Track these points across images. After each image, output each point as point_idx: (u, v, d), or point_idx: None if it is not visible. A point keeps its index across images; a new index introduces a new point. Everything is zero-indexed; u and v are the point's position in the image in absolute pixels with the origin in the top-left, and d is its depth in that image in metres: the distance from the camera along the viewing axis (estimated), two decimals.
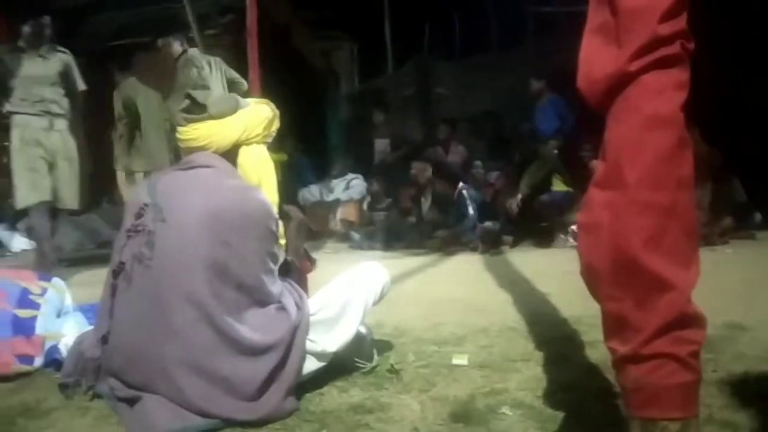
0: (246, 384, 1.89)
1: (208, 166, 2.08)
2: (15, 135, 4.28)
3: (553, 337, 2.52)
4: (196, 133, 2.11)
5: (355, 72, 7.44)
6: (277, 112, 2.30)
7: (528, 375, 2.14)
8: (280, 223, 2.17)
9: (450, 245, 5.15)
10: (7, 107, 4.35)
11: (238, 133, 2.15)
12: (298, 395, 2.02)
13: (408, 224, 5.66)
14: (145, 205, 2.00)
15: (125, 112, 5.13)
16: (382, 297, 2.30)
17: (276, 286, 2.08)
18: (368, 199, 6.07)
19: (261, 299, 2.01)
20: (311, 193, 6.16)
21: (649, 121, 1.17)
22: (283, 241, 2.22)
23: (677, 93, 1.18)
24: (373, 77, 7.20)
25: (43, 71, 4.41)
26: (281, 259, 2.21)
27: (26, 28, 4.57)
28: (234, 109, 2.15)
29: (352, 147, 6.85)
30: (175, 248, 1.92)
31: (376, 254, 5.31)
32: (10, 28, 5.80)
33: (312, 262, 2.49)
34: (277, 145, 6.80)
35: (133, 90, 5.15)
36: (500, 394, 1.98)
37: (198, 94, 2.13)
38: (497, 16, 7.09)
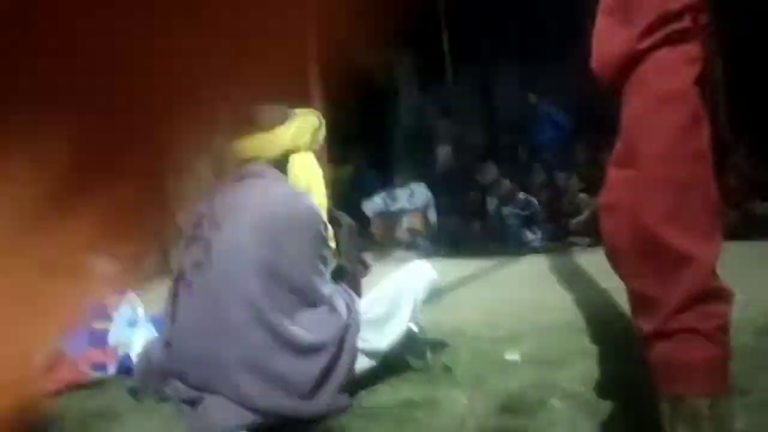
0: (300, 382, 1.96)
1: (259, 176, 2.18)
2: None
3: (610, 331, 2.49)
4: (247, 145, 2.21)
5: (415, 81, 7.50)
6: (323, 120, 2.37)
7: (581, 368, 2.12)
8: (330, 227, 2.24)
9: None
10: None
11: (286, 142, 2.24)
12: (352, 393, 2.07)
13: (474, 228, 5.66)
14: (202, 215, 2.11)
15: None
16: (430, 295, 2.33)
17: (327, 287, 2.14)
18: (433, 205, 6.10)
19: (312, 300, 2.08)
20: (376, 203, 6.23)
21: (662, 97, 1.17)
22: (333, 244, 2.28)
23: (690, 67, 1.18)
24: (433, 85, 7.24)
25: None
26: (333, 264, 2.28)
27: None
28: (282, 119, 2.23)
29: (414, 156, 6.90)
30: (230, 253, 2.02)
31: (443, 260, 5.34)
32: None
33: (366, 267, 2.55)
34: (342, 157, 6.96)
35: None
36: (551, 387, 1.98)
37: (246, 107, 2.22)
38: (557, 20, 7.02)
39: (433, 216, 6.06)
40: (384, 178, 6.73)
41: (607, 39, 1.25)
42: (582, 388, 1.92)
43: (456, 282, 3.93)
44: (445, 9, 7.03)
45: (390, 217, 6.20)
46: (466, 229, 5.77)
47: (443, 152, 6.49)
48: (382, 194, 6.44)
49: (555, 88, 6.42)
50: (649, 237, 1.18)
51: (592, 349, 2.30)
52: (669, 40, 1.17)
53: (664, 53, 1.17)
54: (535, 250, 5.07)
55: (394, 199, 6.30)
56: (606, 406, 1.76)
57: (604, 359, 2.18)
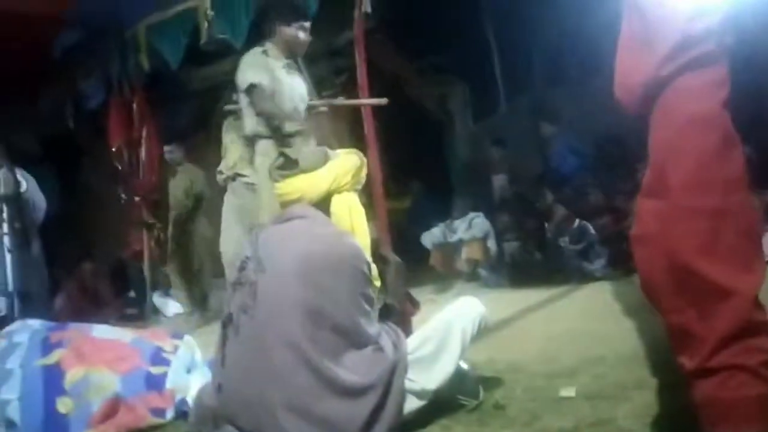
0: (347, 425, 1.94)
1: (302, 217, 2.21)
2: None
3: (671, 362, 2.37)
4: (290, 187, 2.25)
5: (469, 111, 7.49)
6: (365, 160, 2.40)
7: (639, 403, 2.03)
8: (374, 266, 2.24)
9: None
10: None
11: (328, 183, 2.27)
12: None
13: (534, 257, 5.56)
14: (247, 258, 2.15)
15: None
16: (480, 330, 2.28)
17: (373, 327, 2.13)
18: (492, 235, 6.03)
19: (358, 341, 2.07)
20: (434, 235, 6.20)
21: (688, 124, 1.14)
22: (378, 283, 2.28)
23: (716, 91, 1.14)
24: (486, 115, 7.21)
25: None
26: (380, 303, 2.27)
27: None
28: (323, 161, 2.27)
29: (471, 186, 6.86)
30: (274, 296, 2.04)
31: (504, 291, 5.26)
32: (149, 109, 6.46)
33: (415, 304, 2.53)
34: (400, 191, 6.97)
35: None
36: (606, 424, 1.90)
37: (289, 151, 2.27)
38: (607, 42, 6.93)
39: (492, 245, 5.98)
40: (442, 210, 6.69)
41: (630, 67, 1.22)
42: (638, 425, 1.84)
43: (515, 314, 3.85)
44: (496, 38, 7.03)
45: (449, 249, 6.15)
46: (526, 258, 5.67)
47: (499, 181, 6.43)
48: (441, 226, 6.40)
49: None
50: (684, 270, 1.13)
51: (652, 382, 2.20)
52: (692, 65, 1.13)
53: (688, 78, 1.14)
54: (597, 278, 4.92)
55: (452, 230, 6.26)
56: None
57: (663, 393, 2.07)
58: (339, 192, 2.32)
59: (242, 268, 2.15)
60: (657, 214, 1.17)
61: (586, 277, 5.02)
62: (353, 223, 2.34)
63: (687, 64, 1.13)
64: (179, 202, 5.87)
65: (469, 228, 6.03)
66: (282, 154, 2.29)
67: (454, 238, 6.13)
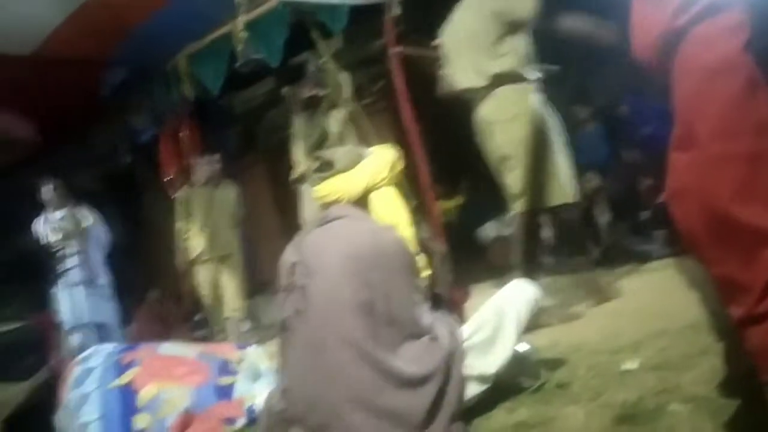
0: (411, 415, 1.96)
1: (342, 217, 2.24)
2: None
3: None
4: (328, 189, 2.29)
5: None
6: (399, 153, 2.42)
7: (704, 369, 1.99)
8: (421, 256, 2.26)
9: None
10: None
11: (365, 181, 2.30)
12: (467, 420, 2.06)
13: (590, 241, 5.47)
14: (294, 263, 2.19)
15: None
16: (533, 312, 2.28)
17: (427, 317, 2.15)
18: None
19: (413, 332, 2.09)
20: (489, 230, 6.16)
21: (710, 72, 1.12)
22: (426, 273, 2.30)
23: (734, 36, 1.12)
24: None
25: None
26: (430, 292, 2.29)
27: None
28: (357, 160, 2.30)
29: None
30: (325, 296, 2.08)
31: (564, 277, 5.18)
32: (198, 137, 6.64)
33: (465, 292, 2.54)
34: (451, 189, 6.95)
35: None
36: (672, 391, 1.88)
37: (324, 153, 2.31)
38: None
39: (546, 234, 5.91)
40: (495, 204, 6.65)
41: (645, 22, 1.22)
42: (705, 389, 1.81)
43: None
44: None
45: (505, 242, 6.10)
46: (582, 243, 5.58)
47: None
48: (495, 220, 6.37)
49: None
50: (722, 219, 1.11)
51: (717, 347, 2.15)
52: (706, 13, 1.12)
53: (704, 26, 1.13)
54: (656, 258, 4.80)
55: (506, 223, 6.22)
56: (729, 405, 1.64)
57: (730, 356, 2.02)
58: (377, 188, 2.35)
59: (291, 274, 2.19)
60: (689, 166, 1.15)
61: (644, 258, 4.91)
62: (394, 216, 2.37)
63: (702, 11, 1.12)
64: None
65: None
66: (318, 157, 2.32)
67: (508, 231, 6.08)
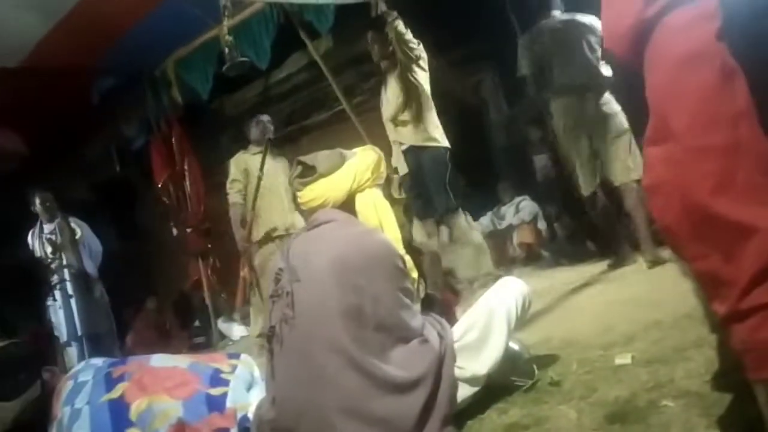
0: (402, 421, 1.93)
1: (328, 221, 2.21)
2: None
3: None
4: (312, 193, 2.25)
5: (502, 96, 7.39)
6: (382, 154, 2.38)
7: (698, 362, 1.96)
8: (409, 259, 2.23)
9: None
10: None
11: (348, 183, 2.26)
12: (459, 423, 2.03)
13: (586, 232, 5.46)
14: (281, 269, 2.16)
15: None
16: (525, 309, 2.25)
17: (416, 320, 2.12)
18: (541, 216, 5.94)
19: (403, 335, 2.05)
20: (484, 224, 6.15)
21: (682, 62, 1.09)
22: (415, 274, 2.26)
23: (706, 23, 1.08)
24: (520, 97, 7.09)
25: None
26: (420, 294, 2.26)
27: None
28: (340, 162, 2.26)
29: (514, 170, 6.77)
30: (312, 302, 2.04)
31: (560, 270, 5.16)
32: (189, 142, 6.61)
33: (456, 293, 2.50)
34: None
35: None
36: (664, 386, 1.85)
37: (306, 158, 2.27)
38: None
39: (543, 226, 5.90)
40: (489, 198, 6.63)
41: (615, 14, 1.18)
42: (698, 384, 1.78)
43: (570, 291, 3.78)
44: (519, 18, 6.92)
45: (500, 236, 6.09)
46: (578, 234, 5.56)
47: (541, 161, 6.32)
48: (489, 214, 6.35)
49: None
50: (702, 213, 1.08)
51: (711, 339, 2.12)
52: (677, 2, 1.08)
53: (674, 16, 1.09)
54: None
55: (501, 217, 6.20)
56: (722, 400, 1.61)
57: (723, 348, 1.99)
58: (361, 190, 2.31)
59: (277, 280, 2.16)
60: (665, 160, 1.12)
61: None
62: (380, 218, 2.33)
63: (672, 1, 1.08)
64: None
65: (517, 212, 5.98)
66: (299, 162, 2.28)
67: (503, 224, 6.08)
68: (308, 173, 2.25)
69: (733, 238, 1.06)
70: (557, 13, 4.29)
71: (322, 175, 2.23)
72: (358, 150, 2.35)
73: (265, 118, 5.12)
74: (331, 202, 2.24)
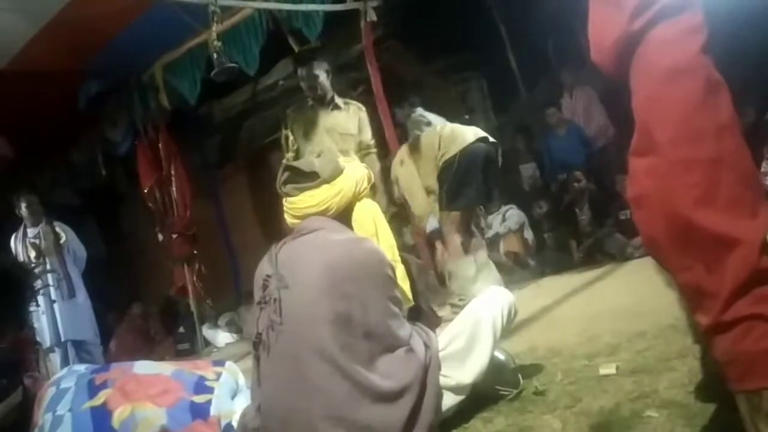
0: (387, 430, 1.92)
1: (317, 229, 2.19)
2: None
3: None
4: (313, 199, 2.21)
5: (489, 105, 7.43)
6: (367, 166, 2.40)
7: (682, 372, 1.97)
8: (398, 268, 2.22)
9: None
10: None
11: (352, 190, 2.25)
12: (444, 431, 2.02)
13: (572, 240, 5.49)
14: (268, 276, 2.14)
15: None
16: (510, 319, 2.25)
17: (404, 329, 2.11)
18: (528, 225, 5.95)
19: (390, 344, 2.04)
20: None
21: (667, 76, 1.10)
22: (406, 285, 2.26)
23: (692, 37, 1.09)
24: (507, 105, 7.15)
25: None
26: (407, 304, 2.25)
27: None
28: (341, 169, 2.25)
29: (500, 179, 6.78)
30: (300, 309, 2.03)
31: (546, 279, 5.18)
32: (176, 147, 6.58)
33: (436, 317, 2.52)
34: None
35: None
36: (648, 396, 1.85)
37: (301, 163, 2.25)
38: None
39: (529, 235, 5.91)
40: None
41: (601, 27, 1.19)
42: (682, 394, 1.79)
43: (556, 300, 3.79)
44: (508, 27, 6.97)
45: (488, 246, 6.09)
46: (565, 243, 5.59)
47: (528, 170, 6.35)
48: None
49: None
50: (684, 225, 1.09)
51: (695, 349, 2.13)
52: (663, 15, 1.09)
53: (660, 29, 1.10)
54: (637, 257, 4.80)
55: (488, 225, 6.20)
56: (705, 410, 1.62)
57: (706, 358, 2.00)
58: (360, 199, 2.31)
59: (265, 287, 2.15)
60: (649, 172, 1.13)
61: (626, 257, 4.91)
62: (377, 227, 2.33)
63: (658, 14, 1.09)
64: None
65: (504, 221, 5.98)
66: (288, 168, 2.26)
67: (490, 233, 6.07)
68: (301, 179, 2.23)
69: (715, 249, 1.07)
70: None
71: (326, 181, 2.21)
72: (344, 160, 2.34)
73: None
74: (334, 209, 2.21)
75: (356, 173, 2.32)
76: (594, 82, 5.92)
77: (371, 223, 2.35)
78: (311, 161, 2.29)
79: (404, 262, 2.39)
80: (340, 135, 4.59)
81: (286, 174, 2.27)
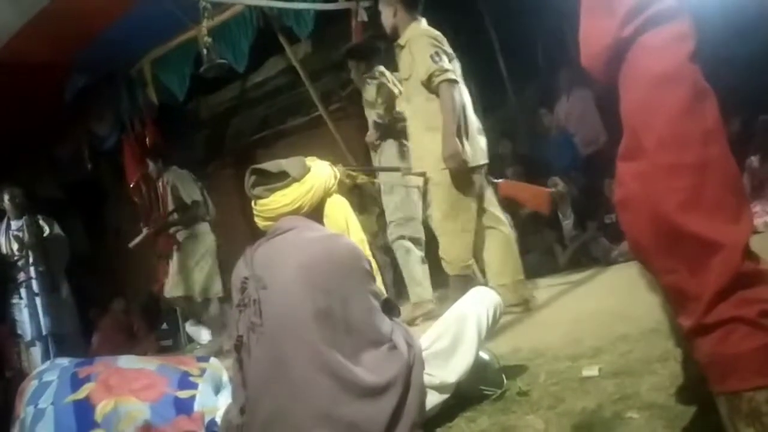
0: (371, 426, 1.92)
1: (291, 228, 2.18)
2: None
3: None
4: (286, 198, 2.21)
5: (479, 108, 7.45)
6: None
7: (664, 375, 2.00)
8: (374, 262, 2.23)
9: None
10: None
11: (322, 186, 2.27)
12: (428, 431, 2.04)
13: (558, 244, 5.52)
14: (246, 278, 2.13)
15: None
16: (495, 319, 2.27)
17: (386, 324, 2.11)
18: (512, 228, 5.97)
19: (373, 339, 2.05)
20: None
21: (656, 82, 1.12)
22: (379, 278, 2.28)
23: (681, 44, 1.12)
24: (495, 108, 7.17)
25: None
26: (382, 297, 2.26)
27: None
28: (307, 168, 2.26)
29: None
30: (280, 309, 2.02)
31: (532, 281, 5.21)
32: (162, 141, 6.55)
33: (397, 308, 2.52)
34: None
35: None
36: (630, 398, 1.88)
37: (266, 165, 2.25)
38: None
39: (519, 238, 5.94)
40: None
41: (592, 33, 1.21)
42: (663, 396, 1.81)
43: (540, 302, 3.82)
44: (496, 29, 6.99)
45: None
46: (550, 246, 5.62)
47: (513, 173, 6.37)
48: None
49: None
50: (670, 228, 1.11)
51: (677, 353, 2.16)
52: (653, 22, 1.11)
53: (650, 36, 1.12)
54: (621, 261, 4.84)
55: None
56: (686, 412, 1.65)
57: (688, 362, 2.03)
58: (330, 195, 2.33)
59: (243, 289, 2.13)
60: (636, 176, 1.15)
61: (610, 261, 4.96)
62: (347, 222, 2.35)
63: (647, 21, 1.11)
64: None
65: None
66: (255, 171, 2.26)
67: None
68: (270, 180, 2.23)
69: (699, 253, 1.09)
70: None
71: (295, 180, 2.21)
72: (309, 160, 2.35)
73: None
74: (307, 206, 2.22)
75: (323, 170, 2.33)
76: (591, 85, 5.98)
77: (342, 219, 2.37)
78: (278, 162, 2.29)
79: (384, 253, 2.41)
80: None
81: (253, 177, 2.27)
